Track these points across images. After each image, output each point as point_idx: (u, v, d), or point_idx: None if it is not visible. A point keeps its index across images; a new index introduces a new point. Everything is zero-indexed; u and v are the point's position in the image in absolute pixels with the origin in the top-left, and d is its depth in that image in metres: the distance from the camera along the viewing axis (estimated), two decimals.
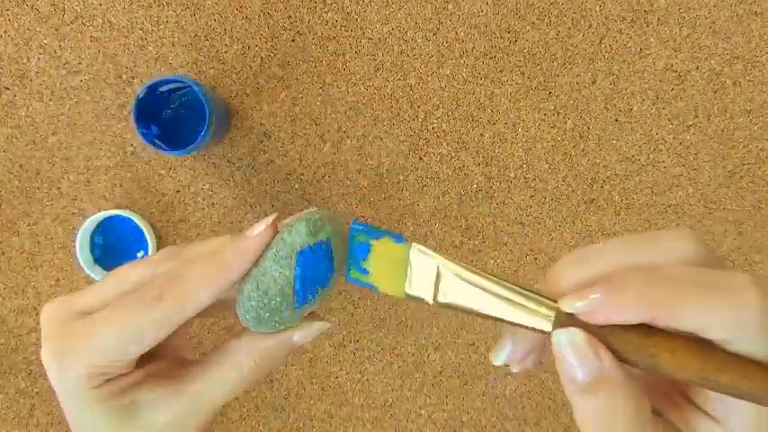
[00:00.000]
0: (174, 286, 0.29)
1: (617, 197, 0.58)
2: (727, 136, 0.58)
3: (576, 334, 0.23)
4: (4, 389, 0.58)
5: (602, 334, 0.23)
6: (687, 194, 0.58)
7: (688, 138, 0.58)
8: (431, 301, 0.28)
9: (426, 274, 0.28)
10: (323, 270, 0.30)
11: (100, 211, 0.56)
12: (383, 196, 0.58)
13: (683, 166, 0.58)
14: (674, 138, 0.58)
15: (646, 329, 0.23)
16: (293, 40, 0.57)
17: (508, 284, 0.26)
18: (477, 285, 0.26)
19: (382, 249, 0.29)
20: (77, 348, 0.29)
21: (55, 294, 0.57)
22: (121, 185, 0.57)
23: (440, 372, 0.59)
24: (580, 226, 0.59)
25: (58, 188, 0.57)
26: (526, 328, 0.26)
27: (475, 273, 0.26)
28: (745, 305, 0.21)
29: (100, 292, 0.31)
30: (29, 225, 0.57)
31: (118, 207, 0.57)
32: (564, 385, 0.23)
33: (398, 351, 0.59)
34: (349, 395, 0.59)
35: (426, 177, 0.58)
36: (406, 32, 0.57)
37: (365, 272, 0.29)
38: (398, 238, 0.28)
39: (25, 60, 0.56)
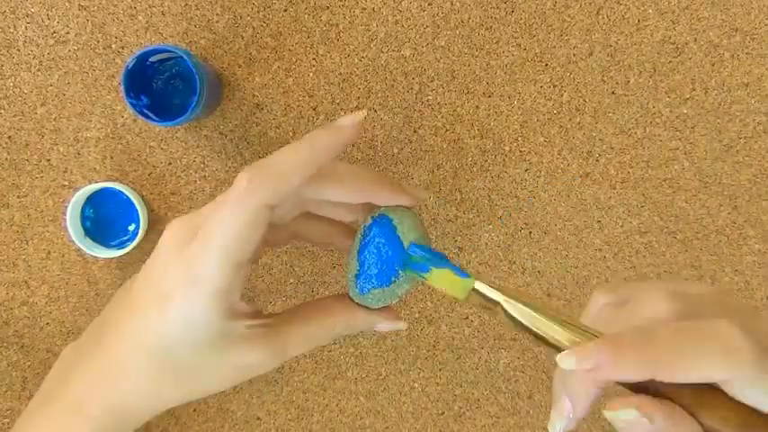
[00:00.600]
0: (270, 169, 0.31)
1: (612, 171, 0.58)
2: (725, 109, 0.58)
3: (625, 414, 0.24)
4: None
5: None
6: (683, 168, 0.58)
7: (685, 111, 0.58)
8: (499, 307, 0.32)
9: (489, 301, 0.32)
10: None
11: (90, 183, 0.56)
12: (377, 169, 0.57)
13: (680, 139, 0.58)
14: (671, 111, 0.58)
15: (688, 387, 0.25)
16: (286, 10, 0.56)
17: (560, 319, 0.29)
18: (531, 318, 0.30)
19: (441, 276, 0.33)
20: (209, 253, 0.30)
21: (46, 268, 0.57)
22: (112, 157, 0.56)
23: (433, 345, 0.59)
24: (575, 200, 0.58)
25: (48, 160, 0.56)
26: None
27: (530, 308, 0.30)
28: (734, 349, 0.23)
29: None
30: (18, 197, 0.56)
31: (108, 179, 0.56)
32: None
33: None
34: (342, 368, 0.59)
35: (421, 150, 0.58)
36: (400, 2, 0.56)
37: (423, 278, 0.34)
38: (459, 271, 0.33)
39: (12, 29, 0.55)
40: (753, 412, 0.23)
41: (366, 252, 0.34)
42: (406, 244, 0.34)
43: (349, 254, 0.36)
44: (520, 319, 0.30)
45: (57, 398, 0.35)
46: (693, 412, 0.24)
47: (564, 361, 0.25)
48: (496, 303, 0.31)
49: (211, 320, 0.31)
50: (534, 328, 0.29)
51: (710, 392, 0.24)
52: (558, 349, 0.28)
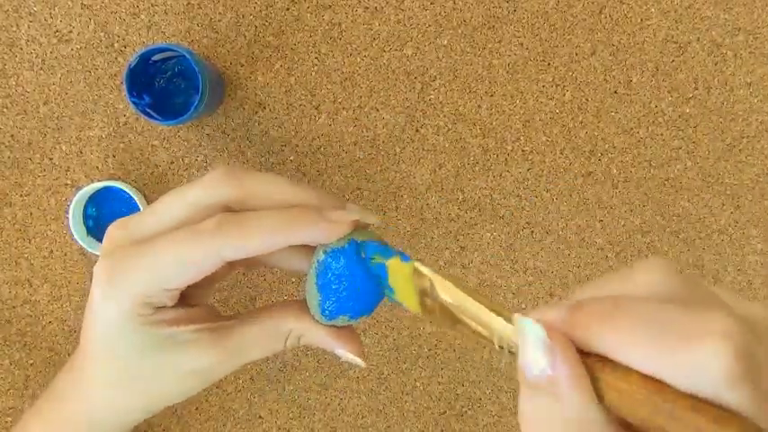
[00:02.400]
0: (235, 230, 0.29)
1: (615, 170, 0.58)
2: (727, 109, 0.58)
3: (539, 328, 0.21)
4: None
5: None
6: (685, 167, 0.58)
7: (687, 110, 0.58)
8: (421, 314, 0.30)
9: (428, 288, 0.29)
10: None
11: (93, 182, 0.56)
12: (379, 168, 0.57)
13: (682, 138, 0.58)
14: (674, 110, 0.58)
15: (606, 361, 0.20)
16: (288, 9, 0.56)
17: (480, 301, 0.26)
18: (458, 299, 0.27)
19: (395, 268, 0.31)
20: (131, 275, 0.30)
21: (48, 266, 0.57)
22: (114, 156, 0.56)
23: (435, 345, 0.59)
24: (577, 199, 0.58)
25: (50, 159, 0.56)
26: (486, 340, 0.25)
27: (457, 289, 0.27)
28: (704, 358, 0.18)
29: (159, 216, 0.31)
30: (21, 196, 0.56)
31: (111, 178, 0.56)
32: (518, 373, 0.21)
33: (394, 324, 0.59)
34: (344, 367, 0.59)
35: (423, 149, 0.58)
36: (402, 1, 0.56)
37: (392, 290, 0.31)
38: (405, 256, 0.30)
39: (14, 28, 0.55)
40: (660, 383, 0.19)
41: (328, 276, 0.31)
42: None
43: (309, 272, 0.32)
44: (450, 301, 0.27)
45: (45, 404, 0.36)
46: (592, 376, 0.20)
47: (520, 317, 0.22)
48: (434, 291, 0.28)
49: (131, 326, 0.30)
50: (464, 316, 0.26)
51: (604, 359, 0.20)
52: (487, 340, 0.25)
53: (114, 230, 0.32)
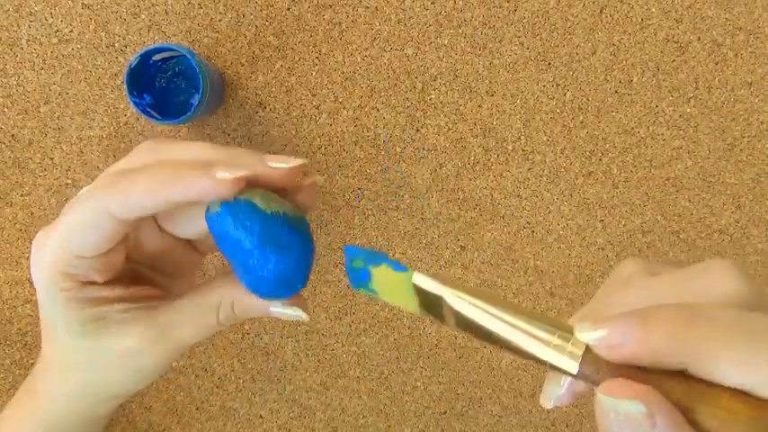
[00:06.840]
0: (118, 185, 0.28)
1: (615, 170, 0.58)
2: (728, 108, 0.58)
3: (630, 406, 0.18)
4: None
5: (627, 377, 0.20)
6: (686, 167, 0.58)
7: (688, 110, 0.58)
8: (444, 323, 0.26)
9: (433, 298, 0.25)
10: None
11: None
12: (380, 168, 0.57)
13: (683, 138, 0.58)
14: (674, 110, 0.58)
15: (678, 377, 0.19)
16: (288, 9, 0.56)
17: (517, 312, 0.23)
18: (485, 311, 0.24)
19: (382, 276, 0.27)
20: (46, 245, 0.29)
21: None
22: (115, 156, 0.56)
23: (436, 344, 0.59)
24: (578, 199, 0.58)
25: (51, 158, 0.56)
26: (544, 363, 0.22)
27: (481, 300, 0.24)
28: None
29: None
30: (21, 196, 0.56)
31: None
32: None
33: (394, 324, 0.59)
34: (345, 367, 0.59)
35: (423, 149, 0.58)
36: (403, 1, 0.56)
37: (373, 291, 0.28)
38: (397, 265, 0.27)
39: (15, 28, 0.55)
40: (758, 399, 0.18)
41: (229, 251, 0.29)
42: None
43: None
44: (471, 316, 0.24)
45: (25, 392, 0.36)
46: (686, 408, 0.19)
47: (584, 331, 0.20)
48: (440, 300, 0.25)
49: (59, 302, 0.30)
50: (488, 326, 0.24)
51: (699, 380, 0.19)
52: (516, 350, 0.23)
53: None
